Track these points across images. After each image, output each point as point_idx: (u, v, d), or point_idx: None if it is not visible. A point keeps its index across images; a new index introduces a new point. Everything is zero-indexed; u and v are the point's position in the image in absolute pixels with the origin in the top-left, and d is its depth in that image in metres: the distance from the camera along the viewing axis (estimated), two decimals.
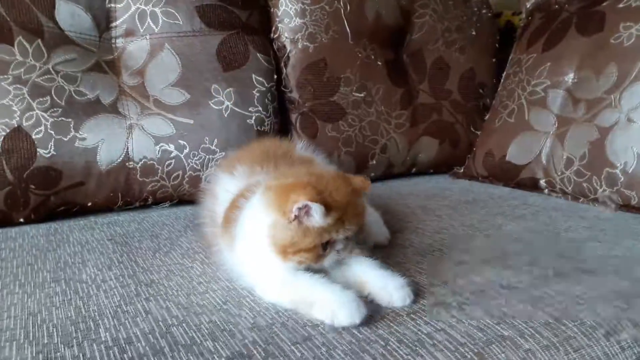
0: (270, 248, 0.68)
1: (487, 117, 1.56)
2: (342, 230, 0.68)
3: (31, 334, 0.60)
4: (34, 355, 0.56)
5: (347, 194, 0.70)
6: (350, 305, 0.62)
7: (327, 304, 0.63)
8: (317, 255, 0.68)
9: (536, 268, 0.80)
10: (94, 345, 0.58)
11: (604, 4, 1.30)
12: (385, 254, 0.87)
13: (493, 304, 0.68)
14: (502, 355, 0.58)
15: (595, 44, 1.28)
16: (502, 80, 1.55)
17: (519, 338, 0.61)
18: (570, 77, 1.31)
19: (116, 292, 0.71)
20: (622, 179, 1.14)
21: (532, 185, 1.34)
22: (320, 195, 0.65)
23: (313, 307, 0.64)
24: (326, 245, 0.68)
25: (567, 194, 1.26)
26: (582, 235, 0.97)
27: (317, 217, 0.65)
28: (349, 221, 0.68)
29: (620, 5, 1.26)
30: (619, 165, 1.15)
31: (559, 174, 1.27)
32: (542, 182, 1.31)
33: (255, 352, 0.56)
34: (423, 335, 0.60)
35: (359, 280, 0.70)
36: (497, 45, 1.69)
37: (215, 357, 0.56)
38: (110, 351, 0.57)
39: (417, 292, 0.70)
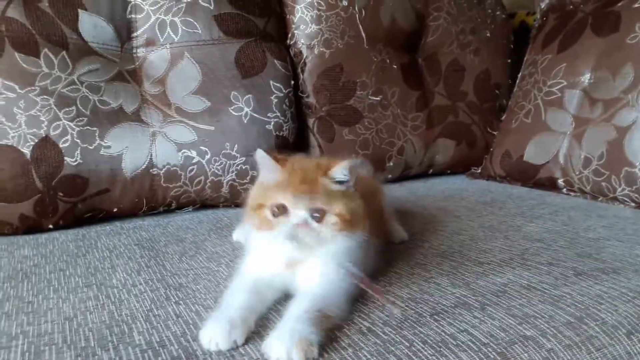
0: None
1: (503, 117, 1.57)
2: (288, 196, 0.67)
3: (69, 338, 0.62)
4: (73, 358, 0.58)
5: (308, 166, 0.71)
6: (215, 331, 0.59)
7: (209, 319, 0.62)
8: (265, 219, 0.69)
9: (556, 268, 0.81)
10: (129, 348, 0.60)
11: (619, 4, 1.31)
12: (406, 255, 0.89)
13: (515, 304, 0.69)
14: (525, 355, 0.59)
15: (610, 44, 1.28)
16: (517, 81, 1.56)
17: (541, 338, 0.62)
18: (586, 78, 1.31)
19: (146, 296, 0.74)
20: None
21: (550, 185, 1.35)
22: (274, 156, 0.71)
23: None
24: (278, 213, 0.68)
25: (585, 193, 1.27)
26: (602, 235, 0.98)
27: (261, 159, 0.70)
28: (297, 186, 0.68)
29: (636, 5, 1.27)
30: (637, 164, 1.15)
31: (577, 173, 1.27)
32: (561, 182, 1.32)
33: None
34: (446, 336, 0.62)
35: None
36: (511, 45, 1.70)
37: (246, 359, 0.57)
38: (145, 354, 0.59)
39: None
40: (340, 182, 0.70)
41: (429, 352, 0.59)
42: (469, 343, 0.60)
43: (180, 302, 0.72)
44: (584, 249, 0.90)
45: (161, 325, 0.65)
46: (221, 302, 0.67)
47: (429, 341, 0.61)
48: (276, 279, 0.71)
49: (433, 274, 0.80)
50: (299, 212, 0.67)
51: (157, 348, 0.60)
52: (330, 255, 0.70)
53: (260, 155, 0.71)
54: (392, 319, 0.65)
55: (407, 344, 0.60)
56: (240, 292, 0.68)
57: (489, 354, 0.59)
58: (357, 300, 0.70)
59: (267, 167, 0.71)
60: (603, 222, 1.06)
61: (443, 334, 0.62)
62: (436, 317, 0.66)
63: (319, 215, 0.68)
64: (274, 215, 0.69)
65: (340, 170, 0.70)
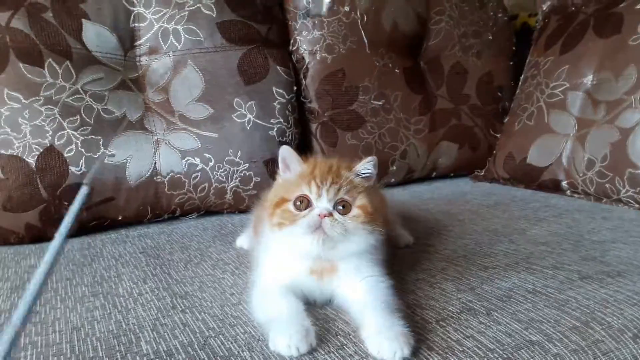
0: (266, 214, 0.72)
1: (506, 120, 1.57)
2: (312, 187, 0.68)
3: (77, 348, 0.63)
4: None
5: (331, 162, 0.72)
6: (291, 336, 0.59)
7: (274, 327, 0.62)
8: (288, 212, 0.68)
9: (561, 272, 0.81)
10: (137, 358, 0.60)
11: (621, 5, 1.31)
12: (410, 260, 0.89)
13: (520, 309, 0.69)
14: None
15: (613, 45, 1.28)
16: (520, 84, 1.56)
17: (547, 343, 0.62)
18: (589, 79, 1.31)
19: (153, 305, 0.74)
20: None
21: (554, 187, 1.35)
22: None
23: (269, 329, 0.62)
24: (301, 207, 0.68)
25: (589, 195, 1.26)
26: (607, 237, 0.98)
27: (286, 155, 0.71)
28: (321, 179, 0.68)
29: (638, 7, 1.26)
30: None
31: (581, 175, 1.27)
32: (564, 184, 1.32)
33: None
34: (452, 342, 0.62)
35: (359, 321, 0.65)
36: (513, 48, 1.70)
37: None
38: None
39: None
40: (364, 178, 0.71)
41: (435, 358, 0.59)
42: (475, 349, 0.60)
43: (187, 310, 0.72)
44: (589, 252, 0.90)
45: (168, 335, 0.65)
46: (257, 314, 0.68)
47: (435, 347, 0.61)
48: (300, 287, 0.70)
49: (438, 279, 0.80)
50: (322, 203, 0.68)
51: (165, 357, 0.60)
52: (356, 257, 0.70)
53: (286, 150, 0.72)
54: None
55: (413, 350, 0.60)
56: (281, 299, 0.67)
57: (495, 359, 0.59)
58: None
59: (291, 162, 0.72)
60: (607, 225, 1.06)
61: (449, 340, 0.62)
62: (442, 323, 0.66)
63: (342, 208, 0.68)
64: (297, 208, 0.68)
65: (364, 165, 0.71)
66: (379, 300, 0.66)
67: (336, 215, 0.67)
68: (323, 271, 0.70)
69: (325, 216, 0.66)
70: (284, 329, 0.61)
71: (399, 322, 0.62)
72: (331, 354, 0.60)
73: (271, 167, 1.23)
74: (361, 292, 0.68)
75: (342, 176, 0.70)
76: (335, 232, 0.67)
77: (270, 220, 0.71)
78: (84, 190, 0.53)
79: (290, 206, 0.69)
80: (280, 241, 0.71)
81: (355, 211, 0.68)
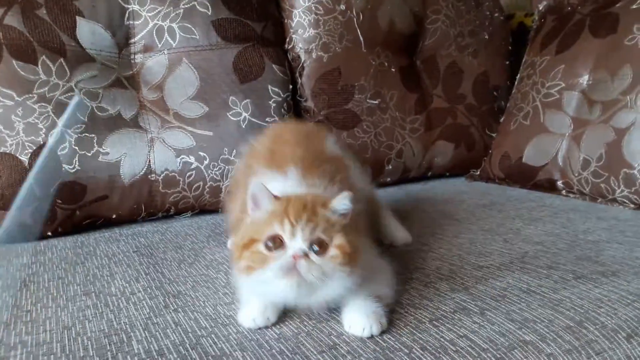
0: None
1: (502, 119, 1.57)
2: (285, 225, 0.62)
3: (67, 348, 0.62)
4: None
5: (306, 198, 0.66)
6: (253, 310, 0.66)
7: (242, 306, 0.68)
8: (258, 255, 0.63)
9: (556, 271, 0.81)
10: (128, 357, 0.60)
11: (617, 5, 1.31)
12: (404, 259, 0.89)
13: (514, 309, 0.69)
14: None
15: (609, 45, 1.28)
16: (516, 83, 1.56)
17: (540, 343, 0.62)
18: (584, 79, 1.31)
19: (145, 305, 0.73)
20: None
21: (549, 187, 1.35)
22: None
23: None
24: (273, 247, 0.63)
25: (584, 195, 1.26)
26: (601, 237, 0.98)
27: (256, 191, 0.65)
28: (295, 216, 0.62)
29: (634, 7, 1.27)
30: (636, 165, 1.15)
31: (576, 175, 1.27)
32: (560, 184, 1.32)
33: None
34: (446, 342, 0.62)
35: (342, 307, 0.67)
36: (509, 47, 1.70)
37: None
38: None
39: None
40: (340, 215, 0.66)
41: (429, 358, 0.59)
42: (468, 349, 0.60)
43: (179, 310, 0.72)
44: (584, 252, 0.90)
45: (160, 334, 0.65)
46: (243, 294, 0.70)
47: (428, 347, 0.61)
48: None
49: (432, 279, 0.80)
50: (297, 243, 0.62)
51: (156, 357, 0.60)
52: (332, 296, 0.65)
53: (256, 186, 0.66)
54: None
55: (406, 350, 0.60)
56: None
57: (489, 359, 0.59)
58: None
59: (262, 199, 0.66)
60: (602, 224, 1.05)
61: (442, 339, 0.62)
62: (435, 322, 0.66)
63: (318, 248, 0.62)
64: (269, 249, 0.62)
65: (341, 201, 0.65)
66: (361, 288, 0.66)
67: (312, 256, 0.62)
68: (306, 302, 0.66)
69: (300, 257, 0.61)
70: (247, 305, 0.66)
71: (375, 304, 0.65)
72: (324, 354, 0.59)
73: None
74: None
75: (318, 213, 0.64)
76: (311, 275, 0.61)
77: (237, 264, 0.65)
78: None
79: (260, 247, 0.63)
80: (249, 287, 0.67)
81: (332, 251, 0.63)
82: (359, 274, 0.65)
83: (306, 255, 0.61)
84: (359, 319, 0.63)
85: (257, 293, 0.66)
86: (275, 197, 0.66)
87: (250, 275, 0.64)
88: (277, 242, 0.62)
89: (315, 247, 0.62)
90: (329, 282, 0.63)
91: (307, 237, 0.62)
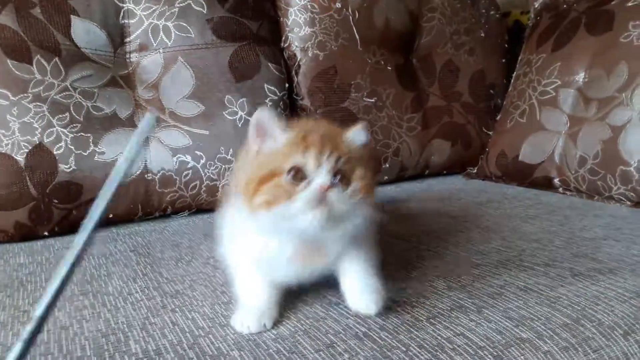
0: (239, 195, 0.63)
1: (498, 117, 1.57)
2: (309, 155, 0.59)
3: (65, 348, 0.62)
4: None
5: (324, 128, 0.64)
6: (248, 316, 0.64)
7: (238, 307, 0.67)
8: (281, 188, 0.59)
9: (553, 269, 0.81)
10: (125, 357, 0.60)
11: (613, 2, 1.31)
12: (401, 257, 0.89)
13: (511, 307, 0.69)
14: (521, 357, 0.59)
15: (604, 43, 1.28)
16: (512, 81, 1.56)
17: (537, 340, 0.62)
18: (580, 77, 1.31)
19: (143, 305, 0.73)
20: (637, 176, 1.14)
21: (546, 185, 1.35)
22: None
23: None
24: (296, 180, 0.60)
25: (581, 193, 1.27)
26: (598, 234, 0.98)
27: (265, 120, 0.61)
28: (316, 145, 0.60)
29: (629, 4, 1.27)
30: (632, 163, 1.15)
31: (573, 172, 1.27)
32: (556, 181, 1.32)
33: None
34: (443, 340, 0.62)
35: (340, 278, 0.69)
36: (506, 45, 1.70)
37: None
38: None
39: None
40: (358, 146, 0.65)
41: (426, 356, 0.59)
42: (465, 347, 0.60)
43: (177, 309, 0.71)
44: (581, 249, 0.90)
45: (157, 334, 0.65)
46: (240, 293, 0.70)
47: (426, 345, 0.61)
48: (278, 274, 0.68)
49: (429, 277, 0.80)
50: (324, 174, 0.59)
51: (154, 356, 0.60)
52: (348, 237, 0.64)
53: (264, 114, 0.62)
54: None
55: (403, 348, 0.60)
56: (259, 289, 0.67)
57: (486, 357, 0.59)
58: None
59: (273, 129, 0.62)
60: (599, 222, 1.06)
61: (439, 337, 0.62)
62: (432, 320, 0.66)
63: (341, 181, 0.60)
64: (293, 182, 0.59)
65: (359, 131, 0.64)
66: (361, 260, 0.68)
67: (338, 187, 0.60)
68: (309, 253, 0.65)
69: (329, 188, 0.59)
70: (245, 309, 0.65)
71: (374, 279, 0.67)
72: (321, 353, 0.59)
73: None
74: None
75: (339, 144, 0.62)
76: (342, 206, 0.59)
77: (252, 200, 0.60)
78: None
79: (283, 180, 0.59)
80: (262, 225, 0.62)
81: (355, 183, 0.62)
82: (374, 208, 0.65)
83: (333, 186, 0.59)
84: (365, 297, 0.65)
85: (278, 230, 0.63)
86: (286, 127, 0.63)
87: (270, 211, 0.60)
88: (299, 175, 0.60)
89: (339, 179, 0.60)
90: (353, 214, 0.62)
91: (331, 168, 0.60)
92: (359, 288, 0.67)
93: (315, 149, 0.60)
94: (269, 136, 0.63)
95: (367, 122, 0.68)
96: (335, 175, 0.60)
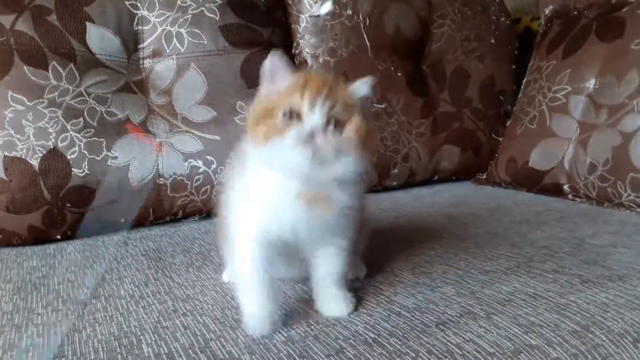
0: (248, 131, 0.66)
1: (508, 123, 1.57)
2: (305, 97, 0.61)
3: (78, 351, 0.63)
4: None
5: (326, 76, 0.67)
6: (259, 319, 0.66)
7: (245, 310, 0.68)
8: (276, 125, 0.62)
9: (562, 276, 0.81)
10: None
11: (624, 10, 1.31)
12: (411, 263, 0.89)
13: (520, 313, 0.69)
14: None
15: (615, 50, 1.28)
16: (522, 87, 1.56)
17: (547, 347, 0.62)
18: (591, 83, 1.31)
19: (154, 308, 0.74)
20: None
21: (555, 191, 1.35)
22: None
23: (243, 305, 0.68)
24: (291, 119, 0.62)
25: (591, 199, 1.26)
26: (608, 241, 0.98)
27: (274, 65, 0.65)
28: (316, 90, 0.62)
29: None
30: None
31: (583, 179, 1.27)
32: (566, 188, 1.32)
33: None
34: (452, 346, 0.62)
35: (315, 284, 0.73)
36: (516, 52, 1.70)
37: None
38: None
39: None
40: (360, 99, 0.66)
41: None
42: (475, 353, 0.61)
43: (188, 313, 0.72)
44: (590, 256, 0.90)
45: (169, 337, 0.65)
46: (242, 285, 0.69)
47: (435, 351, 0.61)
48: (285, 222, 0.67)
49: (439, 283, 0.80)
50: (316, 117, 0.61)
51: None
52: (346, 188, 0.66)
53: (274, 59, 0.65)
54: None
55: (413, 354, 0.60)
56: (260, 283, 0.68)
57: None
58: (361, 311, 0.71)
59: (279, 73, 0.65)
60: (609, 229, 1.05)
61: (449, 344, 0.62)
62: (442, 326, 0.66)
63: (334, 126, 0.62)
64: (286, 120, 0.62)
65: (362, 84, 0.66)
66: (335, 270, 0.72)
67: (329, 132, 0.61)
68: (313, 199, 0.65)
69: (318, 131, 0.61)
70: (255, 312, 0.66)
71: (344, 289, 0.72)
72: (331, 358, 0.60)
73: None
74: (322, 262, 0.72)
75: (338, 92, 0.64)
76: (327, 148, 0.61)
77: (254, 133, 0.65)
78: None
79: (277, 117, 0.62)
80: (263, 158, 0.65)
81: (348, 131, 0.63)
82: (369, 161, 0.66)
83: (324, 130, 0.61)
84: (336, 304, 0.71)
85: (274, 164, 0.65)
86: (293, 73, 0.65)
87: (266, 145, 0.63)
88: (294, 116, 0.62)
89: (332, 125, 0.62)
90: (342, 159, 0.63)
91: (325, 112, 0.61)
92: (329, 295, 0.72)
93: (311, 92, 0.62)
94: (277, 79, 0.65)
95: (374, 78, 0.67)
96: (329, 120, 0.62)
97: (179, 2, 1.23)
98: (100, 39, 1.17)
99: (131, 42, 1.22)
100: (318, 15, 1.40)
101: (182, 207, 1.21)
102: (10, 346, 0.65)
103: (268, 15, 1.34)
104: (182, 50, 1.23)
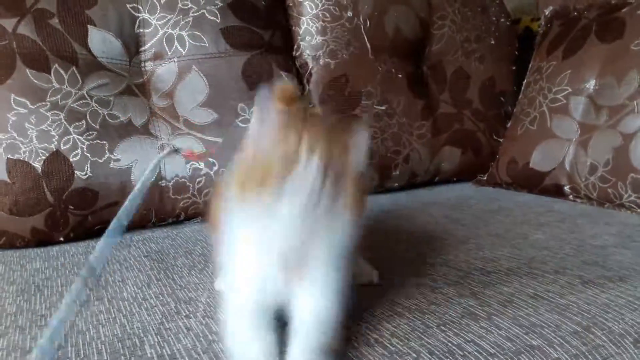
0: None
1: (509, 124, 1.58)
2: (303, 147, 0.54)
3: (82, 352, 0.63)
4: None
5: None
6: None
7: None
8: (269, 171, 0.54)
9: (563, 276, 0.82)
10: None
11: (624, 10, 1.31)
12: (412, 265, 0.89)
13: (521, 314, 0.70)
14: None
15: (615, 50, 1.28)
16: (522, 88, 1.56)
17: (547, 347, 0.63)
18: (591, 84, 1.32)
19: (157, 310, 0.75)
20: None
21: (556, 192, 1.35)
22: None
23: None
24: None
25: (592, 200, 1.27)
26: (609, 242, 0.98)
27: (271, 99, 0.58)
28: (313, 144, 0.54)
29: None
30: None
31: (583, 180, 1.27)
32: (567, 189, 1.32)
33: None
34: (453, 347, 0.62)
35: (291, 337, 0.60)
36: (516, 52, 1.71)
37: None
38: None
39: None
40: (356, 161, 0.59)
41: None
42: (476, 353, 0.61)
43: (191, 315, 0.73)
44: (591, 257, 0.90)
45: (172, 339, 0.66)
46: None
47: (436, 352, 0.61)
48: (270, 296, 0.60)
49: (439, 284, 0.81)
50: (313, 169, 0.54)
51: None
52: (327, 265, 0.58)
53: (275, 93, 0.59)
54: None
55: (414, 355, 0.61)
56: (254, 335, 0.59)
57: None
58: (364, 311, 0.71)
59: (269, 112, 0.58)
60: (610, 230, 1.06)
61: (450, 344, 0.63)
62: (443, 327, 0.67)
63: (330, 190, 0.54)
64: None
65: (361, 145, 0.58)
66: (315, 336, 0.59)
67: (325, 190, 0.54)
68: (290, 274, 0.58)
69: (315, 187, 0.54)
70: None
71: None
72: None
73: None
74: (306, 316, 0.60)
75: (337, 149, 0.56)
76: (327, 202, 0.54)
77: (242, 187, 0.59)
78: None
79: (273, 166, 0.55)
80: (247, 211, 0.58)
81: (345, 195, 0.56)
82: (356, 233, 0.59)
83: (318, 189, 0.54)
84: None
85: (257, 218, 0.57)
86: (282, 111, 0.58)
87: (254, 195, 0.56)
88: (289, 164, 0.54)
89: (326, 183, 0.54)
90: (332, 220, 0.56)
91: (323, 168, 0.54)
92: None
93: (306, 146, 0.54)
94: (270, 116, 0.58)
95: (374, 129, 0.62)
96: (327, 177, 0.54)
97: (180, 5, 1.24)
98: (102, 42, 1.18)
99: (133, 45, 1.22)
100: None
101: (184, 209, 1.21)
102: (14, 348, 0.65)
103: (268, 18, 1.35)
104: (184, 52, 1.24)
